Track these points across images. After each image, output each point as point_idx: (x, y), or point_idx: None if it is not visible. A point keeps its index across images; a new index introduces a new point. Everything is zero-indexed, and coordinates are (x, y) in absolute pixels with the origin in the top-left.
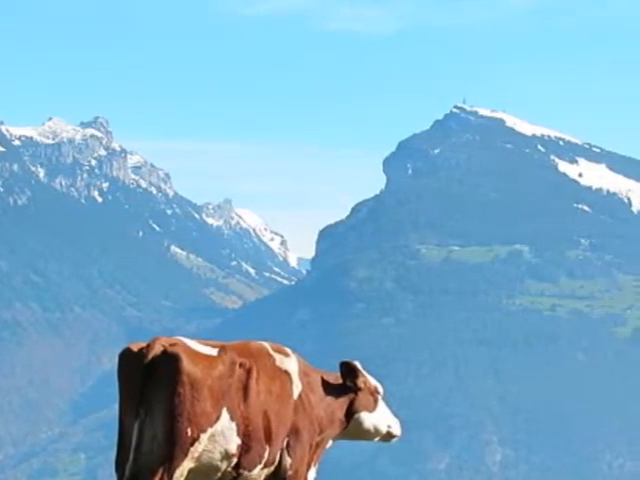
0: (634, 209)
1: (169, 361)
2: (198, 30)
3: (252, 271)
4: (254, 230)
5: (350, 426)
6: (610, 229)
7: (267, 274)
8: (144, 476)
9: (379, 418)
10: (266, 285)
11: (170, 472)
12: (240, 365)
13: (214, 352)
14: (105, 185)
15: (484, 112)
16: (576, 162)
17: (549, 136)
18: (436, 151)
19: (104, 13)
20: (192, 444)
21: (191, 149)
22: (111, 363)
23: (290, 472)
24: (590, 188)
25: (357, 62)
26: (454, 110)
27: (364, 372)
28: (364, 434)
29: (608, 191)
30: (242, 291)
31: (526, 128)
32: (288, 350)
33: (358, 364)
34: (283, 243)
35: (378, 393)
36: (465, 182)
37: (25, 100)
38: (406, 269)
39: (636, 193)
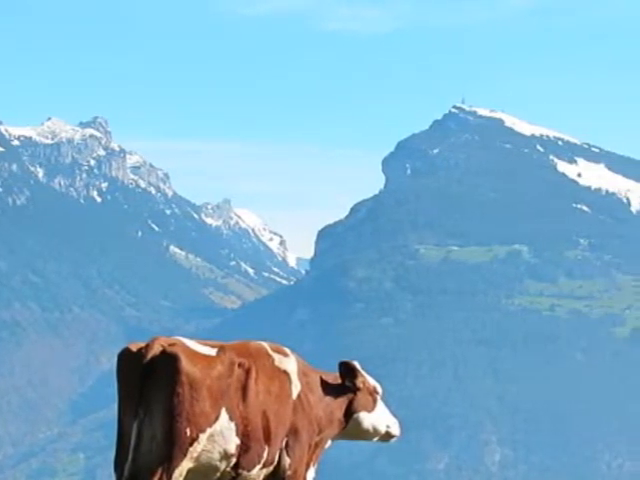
0: (633, 209)
1: (168, 361)
2: (197, 30)
3: (251, 271)
4: (253, 230)
5: (349, 426)
6: (609, 229)
7: (266, 274)
8: (143, 476)
9: (378, 418)
10: (265, 285)
11: (169, 472)
12: (239, 365)
13: (213, 352)
14: (104, 185)
15: (483, 112)
16: (575, 162)
17: (548, 136)
18: (435, 151)
19: (103, 13)
20: (191, 444)
21: (190, 149)
22: (110, 363)
23: (289, 472)
24: (589, 188)
25: (356, 62)
26: (453, 110)
27: (363, 372)
28: (363, 434)
29: (607, 191)
30: (241, 291)
31: (525, 128)
32: (287, 350)
33: (357, 364)
34: (282, 243)
35: (377, 393)
36: (464, 182)
37: (24, 100)
38: (405, 269)
39: (635, 193)
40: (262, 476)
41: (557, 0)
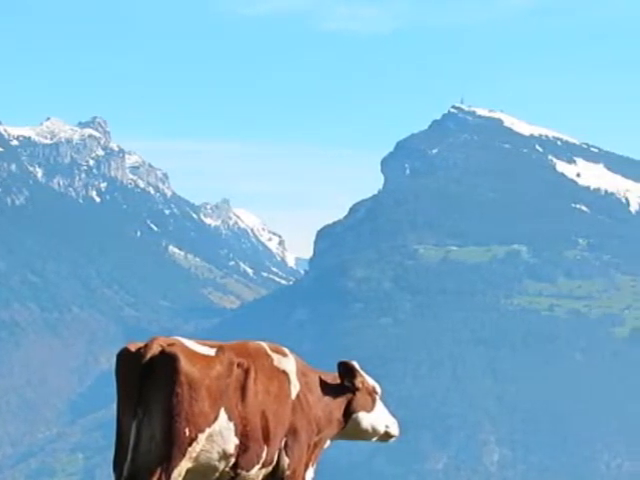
0: (632, 209)
1: (167, 361)
2: (196, 30)
3: (250, 271)
4: (252, 230)
5: (348, 426)
6: (608, 229)
7: (265, 274)
8: (142, 476)
9: (377, 418)
10: (264, 285)
11: (168, 472)
12: (238, 365)
13: (212, 352)
14: (103, 185)
15: (482, 112)
16: (574, 162)
17: (547, 136)
18: (434, 151)
19: (103, 13)
20: (190, 444)
21: (189, 149)
22: (109, 363)
23: (288, 472)
24: (588, 188)
25: (354, 62)
26: (452, 110)
27: (362, 372)
28: (362, 434)
29: (606, 191)
30: (240, 291)
31: (524, 128)
32: (286, 350)
33: (356, 364)
34: (281, 243)
35: (376, 393)
36: (463, 182)
37: (23, 100)
38: (404, 269)
39: (634, 193)
40: (261, 476)
41: (556, 0)
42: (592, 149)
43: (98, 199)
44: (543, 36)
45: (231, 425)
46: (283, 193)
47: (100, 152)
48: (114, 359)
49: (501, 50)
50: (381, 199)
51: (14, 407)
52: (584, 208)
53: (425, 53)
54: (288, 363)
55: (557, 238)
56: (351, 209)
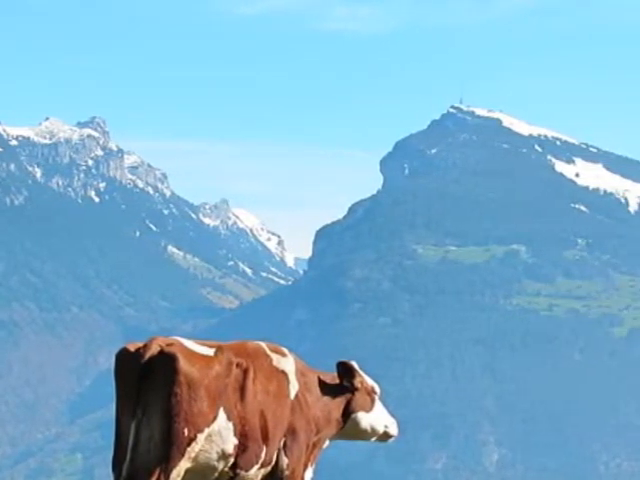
0: (631, 209)
1: (166, 361)
2: (195, 30)
3: (249, 271)
4: (251, 230)
5: (347, 426)
6: (607, 229)
7: (264, 274)
8: (141, 476)
9: (376, 418)
10: (263, 285)
11: (167, 472)
12: (237, 365)
13: (211, 352)
14: (102, 185)
15: (481, 112)
16: (573, 162)
17: (546, 136)
18: (433, 151)
19: (102, 13)
20: (189, 444)
21: (188, 149)
22: (108, 363)
23: (287, 472)
24: (587, 188)
25: (353, 62)
26: (451, 110)
27: (361, 372)
28: (361, 434)
29: (605, 191)
30: (239, 291)
31: (523, 128)
32: (285, 350)
33: (355, 364)
34: (280, 243)
35: (375, 393)
36: (462, 182)
37: (22, 100)
38: (403, 269)
39: (633, 193)
40: (260, 476)
41: (555, 0)
42: (591, 149)
43: (97, 199)
44: (542, 36)
45: (230, 425)
46: (282, 193)
47: (99, 152)
48: (113, 359)
49: (500, 50)
50: (380, 199)
51: (13, 407)
52: (583, 208)
53: (424, 53)
54: (287, 363)
55: (556, 238)
56: (350, 209)
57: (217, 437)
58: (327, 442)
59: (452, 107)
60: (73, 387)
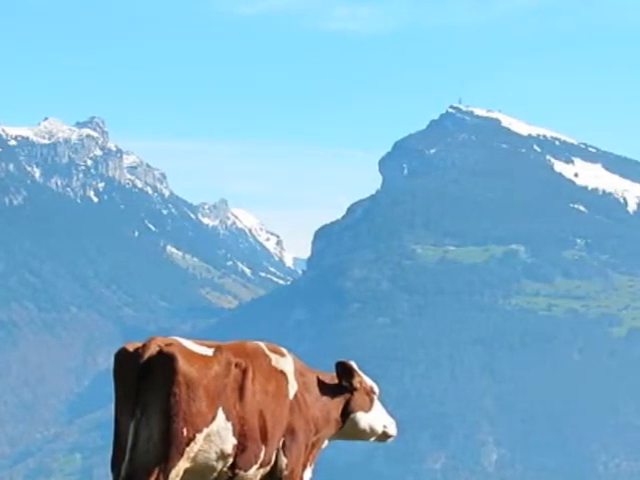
0: (630, 209)
1: (165, 361)
2: (195, 29)
3: (248, 271)
4: (250, 230)
5: (346, 426)
6: (606, 229)
7: (263, 274)
8: (140, 476)
9: (375, 418)
10: (262, 285)
11: (166, 472)
12: (236, 365)
13: (210, 352)
14: (101, 185)
15: (480, 112)
16: (572, 162)
17: (545, 136)
18: (432, 151)
19: (101, 13)
20: (188, 444)
21: (187, 149)
22: (107, 363)
23: (286, 472)
24: (586, 188)
25: (352, 62)
26: (450, 110)
27: (360, 372)
28: (360, 434)
29: (604, 191)
30: (238, 291)
31: (522, 128)
32: (284, 350)
33: (354, 364)
34: (279, 243)
35: (374, 393)
36: (461, 182)
37: (21, 100)
38: (402, 269)
39: (632, 193)
40: (259, 476)
41: (554, 0)
42: (590, 149)
43: (96, 199)
44: (541, 36)
45: (229, 425)
46: (281, 193)
47: (98, 152)
48: (112, 359)
49: (499, 50)
50: (379, 199)
51: (12, 407)
52: (582, 208)
53: (423, 53)
54: (286, 363)
55: (555, 238)
56: (349, 209)
57: (216, 437)
58: (326, 442)
59: (451, 107)
60: (72, 387)
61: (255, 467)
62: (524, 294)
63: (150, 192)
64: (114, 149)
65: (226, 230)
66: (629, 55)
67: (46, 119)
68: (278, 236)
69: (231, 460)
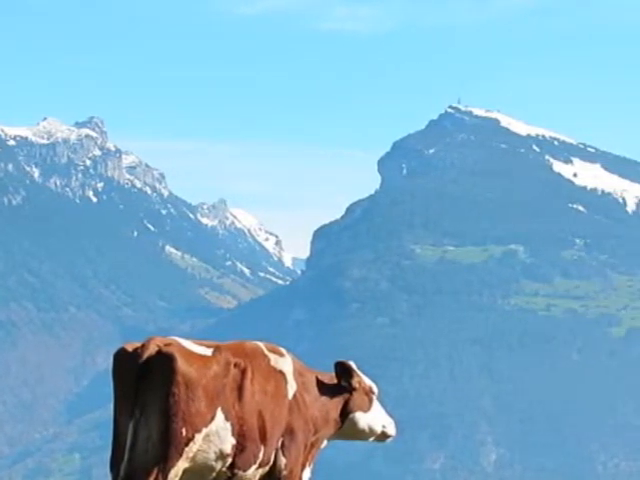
0: (629, 209)
1: (164, 361)
2: (194, 29)
3: (247, 271)
4: (249, 230)
5: (345, 426)
6: (605, 229)
7: (262, 274)
8: (139, 476)
9: (374, 418)
10: (261, 285)
11: (165, 472)
12: (235, 365)
13: (209, 352)
14: (100, 185)
15: (479, 112)
16: (571, 162)
17: (544, 136)
18: (431, 151)
19: (100, 13)
20: (187, 444)
21: (186, 149)
22: (106, 363)
23: (285, 472)
24: (585, 188)
25: (352, 62)
26: (449, 110)
27: (359, 372)
28: (359, 434)
29: (603, 191)
30: (237, 291)
31: (521, 128)
32: (283, 350)
33: (353, 364)
34: (278, 243)
35: (373, 393)
36: (460, 182)
37: (20, 100)
38: (401, 269)
39: (631, 193)
40: (258, 476)
41: (553, 0)
42: (589, 149)
43: (95, 199)
44: (540, 36)
45: (228, 425)
46: (280, 193)
47: (97, 152)
48: (111, 359)
49: (498, 50)
50: (378, 199)
51: (11, 407)
52: (581, 208)
53: (422, 53)
54: (285, 363)
55: (554, 238)
56: (348, 209)
57: (215, 437)
58: (325, 442)
59: (450, 107)
60: (71, 387)
61: (254, 467)
62: (523, 294)
63: (149, 192)
64: (113, 149)
65: (225, 230)
66: (628, 55)
67: (45, 119)
68: (277, 236)
69: (230, 460)
